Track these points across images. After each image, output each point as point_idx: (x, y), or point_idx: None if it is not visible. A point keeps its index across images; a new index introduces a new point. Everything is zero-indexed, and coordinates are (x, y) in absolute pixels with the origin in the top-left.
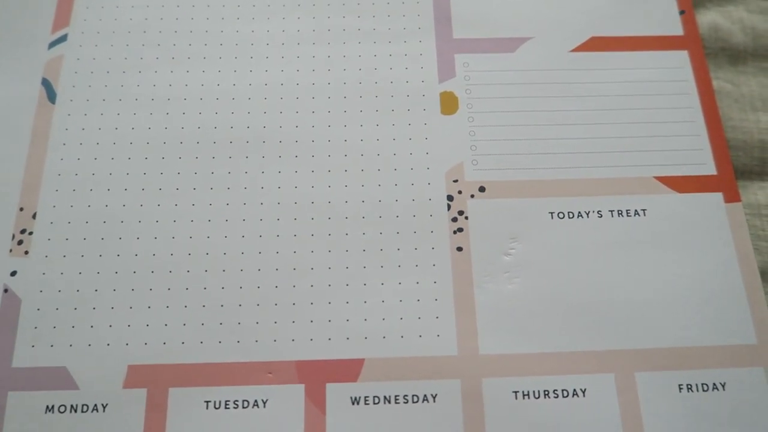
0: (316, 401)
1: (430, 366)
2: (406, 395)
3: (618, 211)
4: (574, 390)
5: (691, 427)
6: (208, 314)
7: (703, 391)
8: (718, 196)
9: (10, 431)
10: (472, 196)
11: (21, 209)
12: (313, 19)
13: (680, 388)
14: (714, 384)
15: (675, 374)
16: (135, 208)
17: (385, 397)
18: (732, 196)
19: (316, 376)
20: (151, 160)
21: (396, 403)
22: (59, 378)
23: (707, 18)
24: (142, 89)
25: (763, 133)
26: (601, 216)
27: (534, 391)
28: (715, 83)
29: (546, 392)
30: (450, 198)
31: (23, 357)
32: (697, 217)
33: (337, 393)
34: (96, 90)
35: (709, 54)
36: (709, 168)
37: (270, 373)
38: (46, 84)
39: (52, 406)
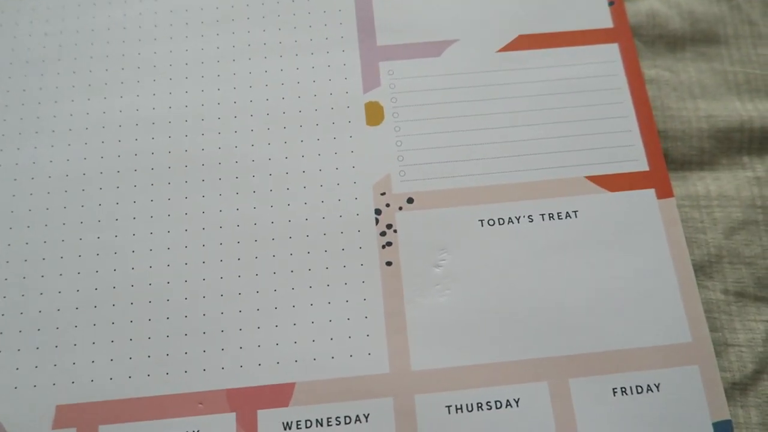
0: (247, 429)
1: (362, 385)
2: (338, 417)
3: (549, 214)
4: (508, 401)
5: (625, 430)
6: (135, 348)
7: (638, 393)
8: (651, 193)
9: None
10: (401, 208)
11: None
12: (232, 35)
13: (614, 392)
14: (648, 386)
15: (609, 378)
16: (56, 243)
17: (317, 420)
18: (664, 192)
19: (247, 404)
20: (71, 192)
21: (329, 425)
22: None
23: (645, 5)
24: (59, 120)
25: (702, 121)
26: (532, 220)
27: (467, 405)
28: (653, 72)
29: (479, 405)
30: (378, 212)
31: None
32: (630, 216)
33: (268, 419)
34: (11, 124)
35: (647, 42)
36: (641, 164)
37: (201, 403)
38: None
39: None
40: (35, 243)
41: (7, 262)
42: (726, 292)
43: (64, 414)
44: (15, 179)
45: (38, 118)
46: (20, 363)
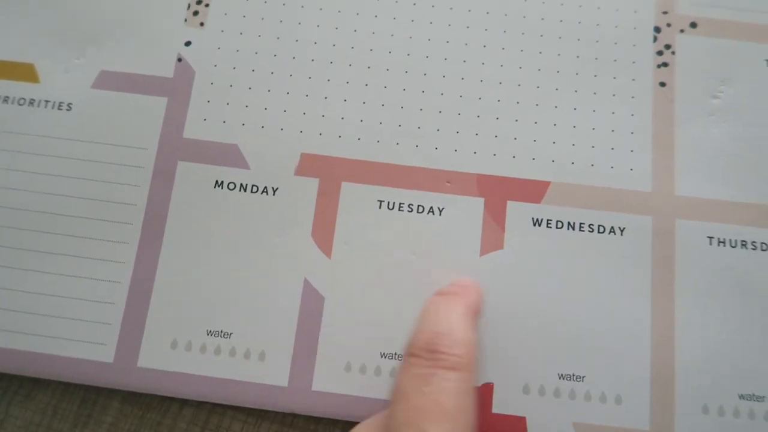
0: (495, 216)
1: (621, 198)
2: (592, 224)
3: None
4: None
5: None
6: (387, 114)
7: None
8: None
9: (178, 200)
10: (682, 30)
11: None
12: None
13: None
14: None
15: None
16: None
17: (569, 223)
18: None
19: (497, 192)
20: None
21: (581, 230)
22: (230, 155)
23: None
24: None
25: None
26: None
27: (731, 240)
28: None
29: (743, 242)
30: (657, 29)
31: (195, 129)
32: None
33: (518, 211)
34: None
35: None
36: None
37: (449, 182)
38: None
39: (222, 182)
40: None
41: (265, 2)
42: None
43: (309, 162)
44: None
45: None
46: (269, 104)
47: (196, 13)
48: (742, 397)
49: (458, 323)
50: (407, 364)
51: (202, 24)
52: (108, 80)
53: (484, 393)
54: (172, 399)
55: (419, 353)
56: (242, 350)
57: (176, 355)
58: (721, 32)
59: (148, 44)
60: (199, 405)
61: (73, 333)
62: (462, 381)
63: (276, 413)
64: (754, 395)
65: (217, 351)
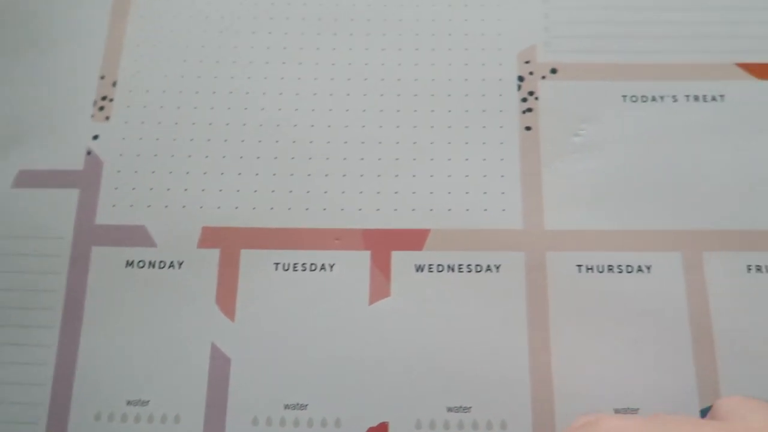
0: (381, 267)
1: (495, 238)
2: (470, 264)
3: (695, 95)
4: (639, 266)
5: (758, 307)
6: (278, 182)
7: None
8: None
9: (94, 282)
10: (544, 77)
11: (102, 77)
12: None
13: (749, 269)
14: None
15: (744, 255)
16: (209, 79)
17: (449, 266)
18: None
19: (382, 244)
20: (225, 33)
21: (460, 271)
22: (138, 235)
23: None
24: None
25: None
26: (676, 100)
27: (598, 266)
28: None
29: (610, 267)
30: (521, 78)
31: (105, 215)
32: None
33: (402, 260)
34: None
35: None
36: None
37: (337, 239)
38: None
39: (132, 261)
40: (190, 76)
41: (164, 91)
42: None
43: (210, 235)
44: (174, 16)
45: None
46: (171, 184)
47: (101, 108)
48: (617, 411)
49: None
50: None
51: (107, 118)
52: (26, 179)
53: (380, 431)
54: None
55: None
56: (159, 415)
57: (100, 426)
58: (580, 75)
59: (61, 141)
60: None
61: (5, 415)
62: None
63: None
64: (628, 408)
65: (137, 419)
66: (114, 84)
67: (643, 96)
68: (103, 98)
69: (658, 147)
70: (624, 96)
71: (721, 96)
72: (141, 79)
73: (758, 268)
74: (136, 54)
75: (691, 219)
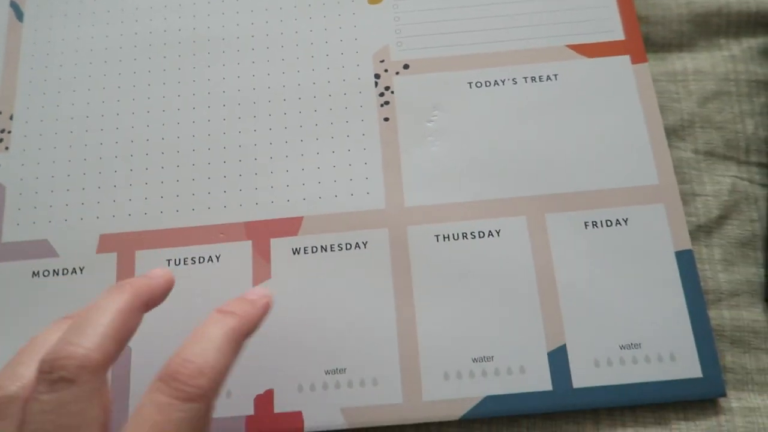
0: (262, 254)
1: (361, 219)
2: (340, 243)
3: (531, 77)
4: (490, 231)
5: (596, 259)
6: (165, 189)
7: (607, 226)
8: (626, 59)
9: (2, 295)
10: (397, 73)
11: (0, 113)
12: None
13: (586, 225)
14: (617, 220)
15: (582, 213)
16: (98, 104)
17: (322, 246)
18: (639, 58)
19: (262, 233)
20: (109, 62)
21: (332, 250)
22: (42, 249)
23: None
24: (99, 4)
25: (681, 7)
26: (516, 83)
27: (453, 234)
28: None
29: (464, 234)
30: (377, 76)
31: (11, 234)
32: (607, 79)
33: (280, 246)
34: (57, 7)
35: None
36: (617, 34)
37: (222, 233)
38: (14, 6)
39: (38, 272)
40: (79, 105)
41: (56, 120)
42: (696, 151)
43: (107, 241)
44: (62, 52)
45: (81, 1)
46: (69, 200)
47: (0, 140)
48: (474, 360)
49: (212, 350)
50: (152, 388)
51: (7, 148)
52: None
53: (267, 398)
54: None
55: (163, 379)
56: None
57: None
58: (430, 68)
59: None
60: None
61: None
62: (195, 412)
63: None
64: (484, 357)
65: None
66: (11, 117)
67: (486, 81)
68: (1, 131)
69: (502, 125)
70: (470, 83)
71: (555, 75)
72: (35, 111)
73: (594, 224)
74: (29, 89)
75: (533, 186)
